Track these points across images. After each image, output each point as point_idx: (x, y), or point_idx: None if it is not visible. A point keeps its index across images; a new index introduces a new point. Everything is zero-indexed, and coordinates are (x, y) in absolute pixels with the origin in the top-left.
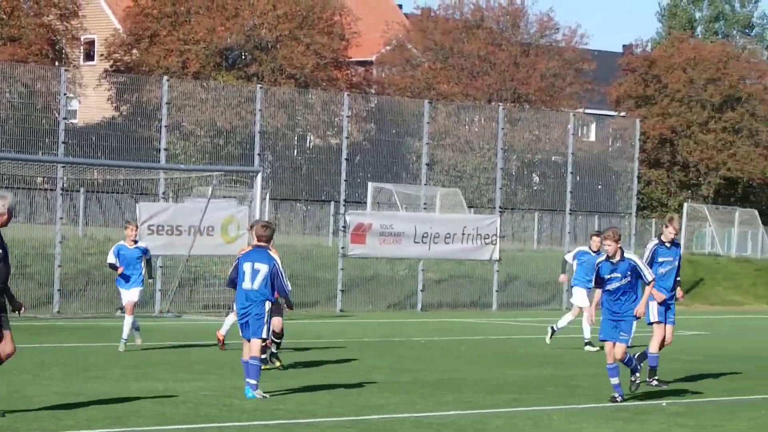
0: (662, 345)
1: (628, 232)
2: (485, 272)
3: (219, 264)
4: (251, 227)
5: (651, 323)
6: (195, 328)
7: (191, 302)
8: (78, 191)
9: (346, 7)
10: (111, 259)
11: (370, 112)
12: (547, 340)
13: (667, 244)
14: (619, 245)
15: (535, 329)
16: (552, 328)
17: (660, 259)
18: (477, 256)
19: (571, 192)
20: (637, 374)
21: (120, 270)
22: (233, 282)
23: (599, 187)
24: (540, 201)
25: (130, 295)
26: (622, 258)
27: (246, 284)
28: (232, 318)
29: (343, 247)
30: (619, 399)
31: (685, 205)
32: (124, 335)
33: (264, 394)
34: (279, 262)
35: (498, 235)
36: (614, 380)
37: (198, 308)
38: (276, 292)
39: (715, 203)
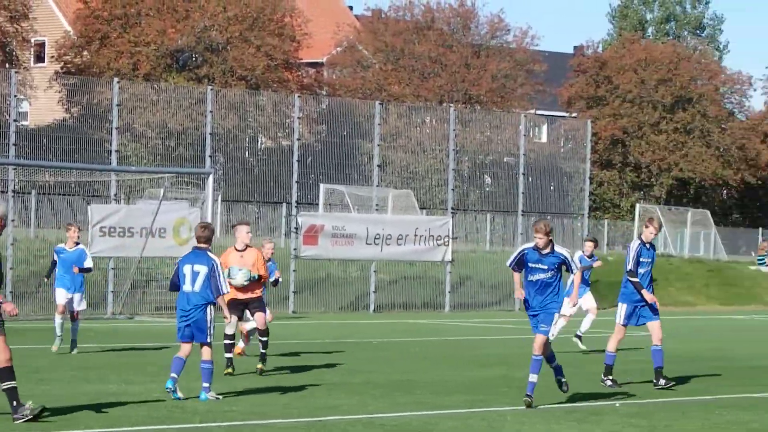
0: (661, 341)
1: (581, 233)
2: (438, 273)
3: (171, 265)
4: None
5: (625, 325)
6: (147, 330)
7: (144, 304)
8: (29, 193)
9: (296, 9)
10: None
11: (321, 113)
12: (581, 346)
13: (647, 245)
14: (549, 238)
15: (487, 330)
16: (577, 335)
17: (641, 259)
18: (429, 257)
19: (523, 193)
20: (562, 378)
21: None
22: (175, 285)
23: (551, 188)
24: (492, 202)
25: (66, 298)
26: (552, 251)
27: (187, 287)
28: (245, 325)
29: (295, 249)
30: (526, 399)
31: (638, 206)
32: (58, 332)
33: (217, 396)
34: (219, 262)
35: (450, 236)
36: (532, 377)
37: (150, 310)
38: (261, 280)
39: (667, 204)
